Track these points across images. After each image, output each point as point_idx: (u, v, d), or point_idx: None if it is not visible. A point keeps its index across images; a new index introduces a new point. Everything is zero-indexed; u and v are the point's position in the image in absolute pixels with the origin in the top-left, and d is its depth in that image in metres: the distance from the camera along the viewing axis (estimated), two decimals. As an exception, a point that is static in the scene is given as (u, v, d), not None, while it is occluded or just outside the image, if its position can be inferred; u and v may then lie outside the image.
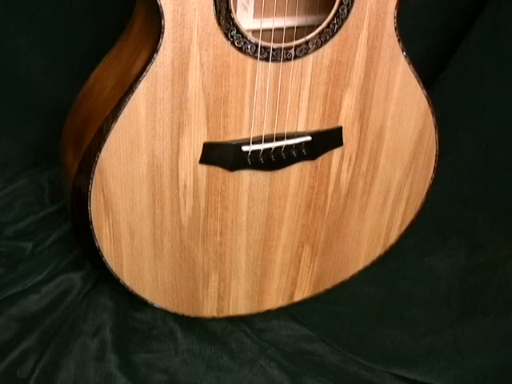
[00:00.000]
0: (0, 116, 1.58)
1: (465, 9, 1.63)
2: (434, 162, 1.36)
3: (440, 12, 1.64)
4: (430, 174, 1.38)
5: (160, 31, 1.07)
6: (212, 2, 1.07)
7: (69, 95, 1.28)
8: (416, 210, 1.41)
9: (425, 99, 1.28)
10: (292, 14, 1.19)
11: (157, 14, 1.06)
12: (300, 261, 1.39)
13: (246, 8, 1.27)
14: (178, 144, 1.17)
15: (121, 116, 1.12)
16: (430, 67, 1.65)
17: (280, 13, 1.18)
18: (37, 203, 1.57)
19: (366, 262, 1.44)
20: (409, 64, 1.24)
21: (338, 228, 1.37)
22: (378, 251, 1.44)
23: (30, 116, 1.58)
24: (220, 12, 1.08)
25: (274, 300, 1.42)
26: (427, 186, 1.39)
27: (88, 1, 1.48)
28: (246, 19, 1.23)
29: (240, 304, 1.40)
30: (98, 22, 1.48)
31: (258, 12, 1.22)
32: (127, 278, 1.28)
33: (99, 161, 1.14)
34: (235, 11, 1.10)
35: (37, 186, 1.60)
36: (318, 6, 1.21)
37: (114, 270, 1.26)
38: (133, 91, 1.10)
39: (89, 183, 1.15)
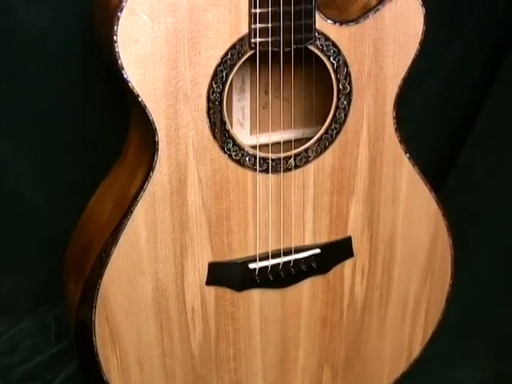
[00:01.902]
0: (4, 252, 1.55)
1: (464, 106, 1.63)
2: (450, 268, 1.31)
3: (441, 111, 1.64)
4: (448, 281, 1.32)
5: (155, 148, 1.05)
6: (206, 115, 1.06)
7: (73, 226, 1.26)
8: (437, 320, 1.34)
9: (434, 202, 1.25)
10: (289, 127, 1.18)
11: (150, 131, 1.04)
12: (321, 383, 1.31)
13: (242, 124, 1.25)
14: (182, 266, 1.13)
15: (120, 239, 1.08)
16: (435, 167, 1.63)
17: (276, 127, 1.17)
18: (43, 343, 1.51)
19: (389, 379, 1.36)
20: (413, 166, 1.21)
21: (357, 345, 1.30)
22: (401, 367, 1.36)
23: (35, 251, 1.56)
24: (214, 124, 1.07)
25: (298, 427, 1.34)
26: (446, 293, 1.33)
27: (83, 129, 1.48)
28: (243, 136, 1.21)
29: (262, 434, 1.32)
30: (96, 148, 1.48)
31: (255, 128, 1.20)
32: (139, 413, 1.21)
33: (101, 288, 1.09)
34: (230, 123, 1.08)
35: (43, 325, 1.55)
36: (315, 117, 1.19)
37: (124, 404, 1.20)
38: (131, 212, 1.07)
39: (92, 312, 1.10)
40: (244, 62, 1.09)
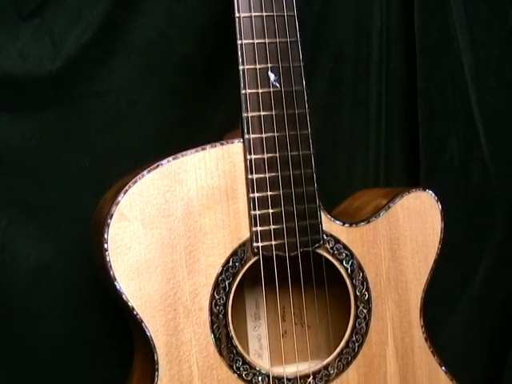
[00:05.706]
0: None
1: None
2: None
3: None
4: None
5: (154, 368, 0.95)
6: (209, 330, 0.97)
7: None
8: None
9: (482, 423, 1.11)
10: (315, 357, 1.07)
11: (149, 350, 0.95)
12: None
13: (260, 355, 1.14)
14: None
15: None
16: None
17: (300, 358, 1.06)
18: None
19: None
20: (451, 380, 1.08)
21: None
22: None
23: None
24: (220, 340, 0.97)
25: None
26: None
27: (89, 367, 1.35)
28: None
29: None
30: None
31: (275, 358, 1.09)
32: None
33: None
34: (247, 351, 0.98)
35: None
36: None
37: None
38: None
39: None
40: (257, 283, 1.02)
